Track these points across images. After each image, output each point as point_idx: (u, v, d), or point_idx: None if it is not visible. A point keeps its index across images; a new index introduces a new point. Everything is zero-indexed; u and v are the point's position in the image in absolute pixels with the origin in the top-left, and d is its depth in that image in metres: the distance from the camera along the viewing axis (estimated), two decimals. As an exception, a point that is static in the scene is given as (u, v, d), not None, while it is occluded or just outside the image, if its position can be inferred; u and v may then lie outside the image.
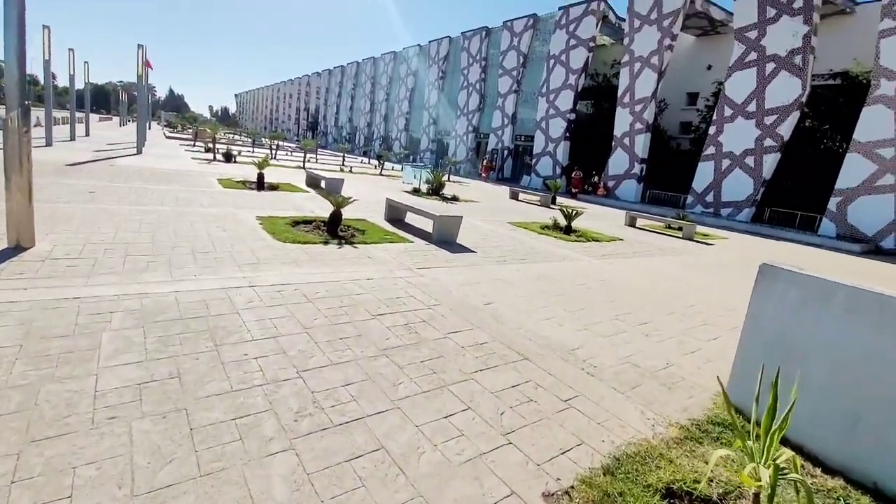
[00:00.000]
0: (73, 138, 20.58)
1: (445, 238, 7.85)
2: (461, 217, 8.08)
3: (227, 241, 5.93)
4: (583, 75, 27.31)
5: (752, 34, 19.98)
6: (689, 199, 22.21)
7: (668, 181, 25.20)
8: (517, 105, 32.79)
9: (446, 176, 19.73)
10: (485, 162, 33.57)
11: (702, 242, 12.63)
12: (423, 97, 44.00)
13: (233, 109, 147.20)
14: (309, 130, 71.43)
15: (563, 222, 11.23)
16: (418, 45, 45.06)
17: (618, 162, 25.16)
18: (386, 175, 23.56)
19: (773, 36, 19.33)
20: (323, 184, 13.44)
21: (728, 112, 20.69)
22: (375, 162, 35.35)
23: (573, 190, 25.38)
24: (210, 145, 21.87)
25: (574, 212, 10.85)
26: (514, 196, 19.12)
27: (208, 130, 32.90)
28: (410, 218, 9.61)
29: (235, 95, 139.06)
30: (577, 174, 25.62)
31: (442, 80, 41.49)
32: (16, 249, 4.54)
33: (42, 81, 17.00)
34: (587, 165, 27.31)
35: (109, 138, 25.02)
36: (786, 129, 19.04)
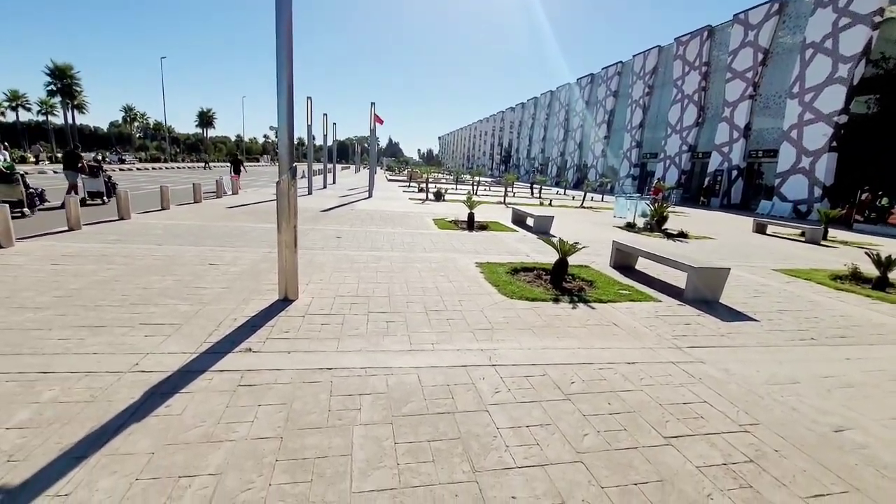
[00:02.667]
0: (324, 186, 25.47)
1: (704, 296, 6.06)
2: (728, 269, 6.15)
3: (455, 296, 5.57)
4: (862, 62, 20.72)
5: None
6: None
7: None
8: (752, 113, 27.07)
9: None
10: (706, 184, 28.57)
11: None
12: (623, 119, 40.82)
13: (436, 151, 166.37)
14: (502, 164, 74.55)
15: (867, 271, 7.89)
16: (620, 61, 42.27)
17: (928, 176, 17.85)
18: (588, 207, 21.94)
19: None
20: (530, 221, 12.86)
21: None
22: (573, 193, 33.92)
23: (859, 218, 18.99)
24: (423, 185, 24.18)
25: (893, 257, 7.45)
26: (761, 229, 15.11)
27: (419, 172, 36.99)
28: (643, 264, 8.01)
29: (438, 138, 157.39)
30: (868, 196, 19.18)
31: (648, 97, 37.74)
32: (284, 302, 4.95)
33: (306, 142, 21.59)
34: (863, 184, 20.29)
35: (348, 184, 30.29)
36: None
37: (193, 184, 14.59)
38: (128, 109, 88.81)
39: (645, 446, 2.72)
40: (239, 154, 39.68)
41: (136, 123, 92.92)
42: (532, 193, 29.05)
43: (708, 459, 2.64)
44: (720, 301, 6.09)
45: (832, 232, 15.14)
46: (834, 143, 21.72)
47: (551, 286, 6.37)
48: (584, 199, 23.73)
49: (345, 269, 6.60)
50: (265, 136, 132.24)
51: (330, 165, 34.89)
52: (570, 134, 51.71)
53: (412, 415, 2.87)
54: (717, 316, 5.44)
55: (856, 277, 7.95)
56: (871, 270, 7.99)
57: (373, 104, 20.90)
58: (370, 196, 20.55)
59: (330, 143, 31.18)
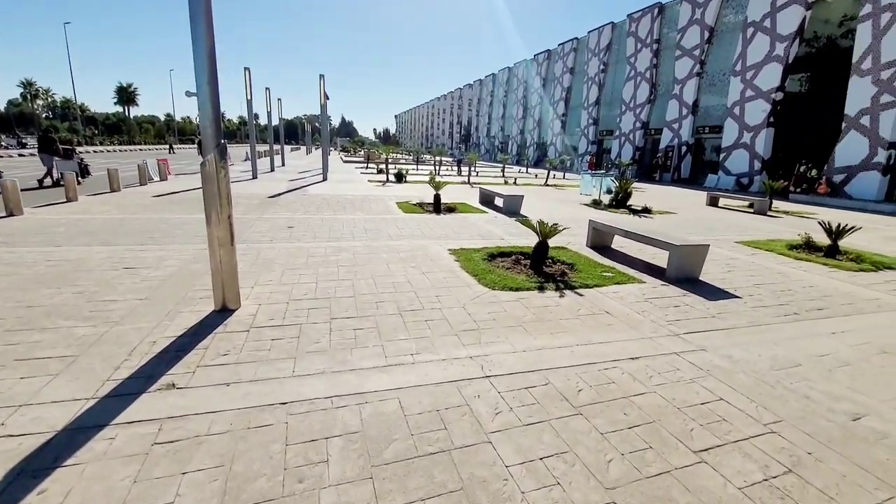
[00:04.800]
0: (272, 169, 23.84)
1: (686, 274, 5.85)
2: (707, 246, 5.95)
3: (431, 290, 5.01)
4: (796, 41, 21.50)
5: None
6: None
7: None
8: (700, 91, 27.75)
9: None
10: (655, 160, 29.28)
11: None
12: (580, 96, 41.00)
13: (393, 130, 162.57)
14: (461, 143, 73.78)
15: (819, 240, 8.07)
16: (575, 38, 42.15)
17: (850, 149, 18.88)
18: (552, 185, 21.83)
19: None
20: (499, 201, 12.43)
21: None
22: (535, 171, 33.92)
23: (794, 189, 19.96)
24: (382, 167, 23.17)
25: (841, 226, 7.60)
26: (714, 202, 15.49)
27: (379, 153, 35.65)
28: (619, 243, 7.77)
29: (395, 116, 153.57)
30: (806, 169, 20.12)
31: (603, 74, 37.97)
32: (222, 313, 4.18)
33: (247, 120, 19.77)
34: (795, 157, 21.37)
35: (299, 166, 28.64)
36: None
37: (108, 169, 12.96)
38: (27, 84, 77.60)
39: (678, 468, 2.33)
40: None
41: (39, 101, 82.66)
42: (503, 173, 28.72)
43: (747, 476, 2.29)
44: (700, 278, 5.91)
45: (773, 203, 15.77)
46: (771, 119, 22.62)
47: (532, 272, 5.95)
48: (547, 177, 23.59)
49: (299, 266, 5.86)
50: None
51: (277, 147, 32.81)
52: (529, 111, 51.54)
53: (397, 460, 2.30)
54: (702, 295, 5.23)
55: (809, 246, 8.14)
56: (821, 239, 8.19)
57: (322, 76, 19.42)
58: (325, 179, 19.36)
59: (276, 121, 29.16)
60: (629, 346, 3.79)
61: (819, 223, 8.02)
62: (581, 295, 5.07)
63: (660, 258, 6.94)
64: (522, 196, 11.61)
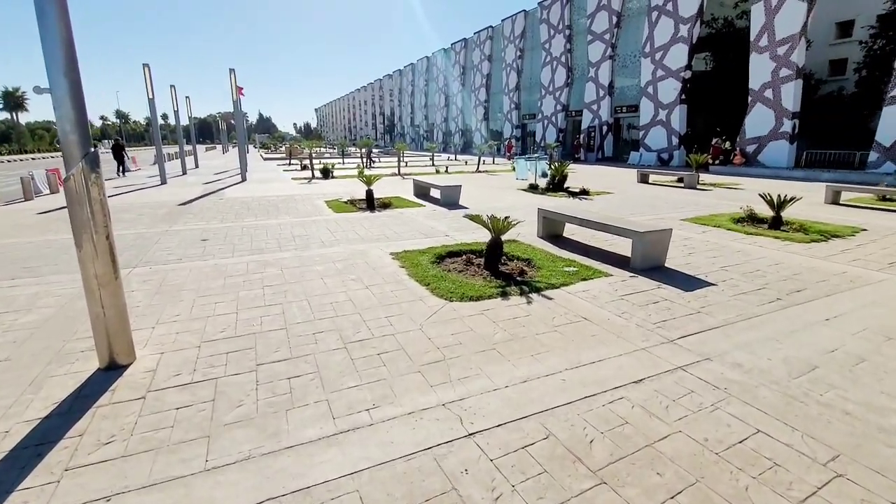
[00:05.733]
0: (184, 172, 21.16)
1: (652, 262, 5.48)
2: (670, 231, 5.63)
3: (378, 309, 4.14)
4: (697, 23, 22.81)
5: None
6: (873, 155, 17.26)
7: (825, 138, 20.10)
8: (614, 73, 28.79)
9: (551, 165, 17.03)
10: (576, 141, 30.16)
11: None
12: (500, 82, 41.22)
13: (314, 124, 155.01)
14: (386, 133, 71.90)
15: (762, 212, 8.27)
16: (490, 26, 42.24)
17: (758, 121, 20.53)
18: (484, 171, 21.44)
19: None
20: (435, 193, 11.66)
21: (933, 34, 15.51)
22: (464, 157, 33.54)
23: (713, 162, 21.25)
24: (306, 163, 21.44)
25: (784, 197, 7.80)
26: (644, 179, 15.93)
27: (299, 147, 33.30)
28: (570, 230, 7.35)
29: (315, 110, 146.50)
30: (720, 142, 21.45)
31: (521, 60, 38.41)
32: (109, 373, 3.05)
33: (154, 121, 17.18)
34: (709, 132, 22.92)
35: (215, 167, 25.86)
36: None
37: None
38: None
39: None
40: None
41: None
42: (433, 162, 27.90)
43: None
44: (665, 265, 5.59)
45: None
46: (683, 97, 23.97)
47: (488, 273, 5.28)
48: (479, 164, 23.18)
49: (215, 291, 4.70)
50: (102, 117, 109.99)
51: (189, 147, 29.48)
52: (452, 99, 51.14)
53: None
54: (675, 286, 4.85)
55: (753, 219, 8.31)
56: (762, 210, 8.39)
57: (232, 70, 17.43)
58: (244, 179, 17.39)
59: (186, 121, 26.06)
60: (625, 363, 3.21)
61: (760, 195, 8.15)
62: (550, 298, 4.46)
63: (617, 245, 6.58)
64: (460, 186, 10.93)
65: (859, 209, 10.04)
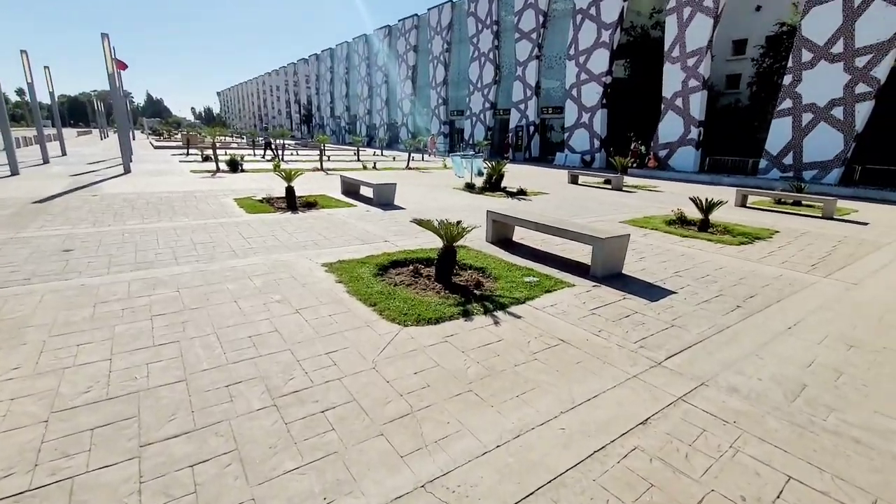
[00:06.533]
0: (45, 160, 17.59)
1: (611, 269, 5.19)
2: (628, 236, 5.38)
3: (317, 343, 3.28)
4: (618, 30, 24.03)
5: (836, -42, 16.82)
6: (763, 163, 19.34)
7: (724, 146, 22.26)
8: (540, 73, 29.49)
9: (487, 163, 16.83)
10: (507, 140, 30.58)
11: (849, 221, 9.92)
12: (427, 75, 40.51)
13: (217, 109, 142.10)
14: (303, 124, 67.84)
15: (690, 215, 8.57)
16: (415, 14, 41.24)
17: (670, 127, 22.15)
18: (415, 168, 20.67)
19: (865, -43, 16.19)
20: (367, 191, 10.71)
21: (807, 56, 17.64)
22: (391, 153, 32.38)
23: (631, 165, 22.46)
24: (209, 153, 19.04)
25: (710, 201, 8.10)
26: (574, 180, 16.29)
27: (202, 135, 30.02)
28: (519, 234, 6.92)
29: (218, 94, 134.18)
30: (637, 146, 22.68)
31: (448, 54, 37.99)
32: None
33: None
34: (627, 136, 24.34)
35: (90, 155, 22.07)
36: (882, 71, 16.07)
37: None
38: None
39: None
40: None
41: None
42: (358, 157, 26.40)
43: None
44: (623, 272, 5.34)
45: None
46: (604, 101, 25.18)
47: (441, 286, 4.62)
48: (409, 160, 22.34)
49: (79, 325, 3.49)
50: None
51: (52, 131, 24.71)
52: (375, 90, 49.38)
53: None
54: (639, 295, 4.57)
55: (682, 221, 8.57)
56: (690, 213, 8.69)
57: (105, 35, 14.24)
58: (127, 171, 14.76)
59: (46, 97, 21.69)
60: (623, 398, 2.73)
61: (691, 199, 8.39)
62: (518, 316, 3.91)
63: (570, 249, 6.27)
64: (395, 185, 10.11)
65: (764, 211, 10.92)
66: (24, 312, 3.69)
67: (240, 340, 3.29)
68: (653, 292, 4.70)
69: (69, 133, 54.07)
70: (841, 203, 12.19)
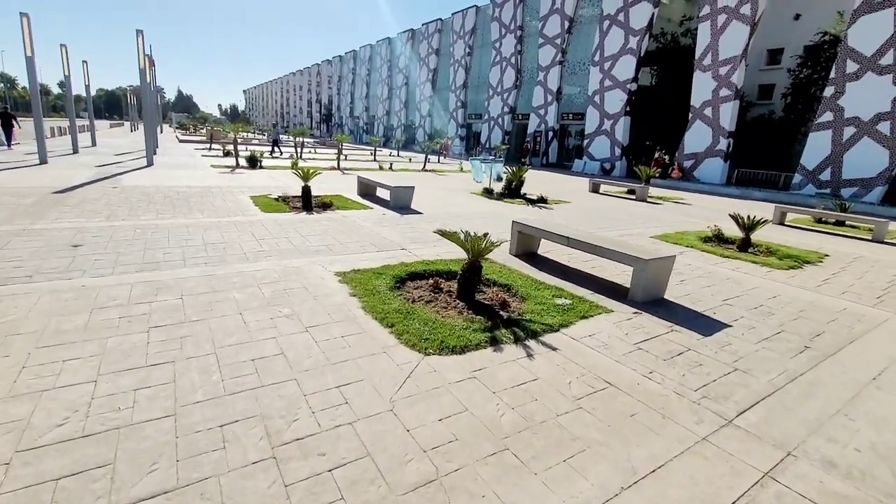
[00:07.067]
0: (75, 150, 17.72)
1: (653, 294, 4.67)
2: (673, 258, 4.87)
3: (327, 374, 2.86)
4: (646, 36, 23.35)
5: (888, -35, 15.95)
6: (797, 177, 18.46)
7: (753, 158, 21.36)
8: (562, 79, 28.94)
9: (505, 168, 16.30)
10: (526, 145, 30.05)
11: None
12: (447, 78, 40.27)
13: (242, 106, 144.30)
14: (322, 123, 68.26)
15: (727, 231, 8.00)
16: (439, 18, 41.17)
17: (697, 137, 21.39)
18: (431, 170, 20.29)
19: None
20: (383, 193, 10.33)
21: (852, 68, 16.77)
22: (407, 154, 32.11)
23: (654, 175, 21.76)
24: (230, 148, 18.95)
25: (753, 219, 7.49)
26: (596, 189, 15.69)
27: (225, 131, 30.15)
28: (545, 246, 6.44)
29: (244, 91, 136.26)
30: (661, 156, 21.93)
31: (469, 57, 37.74)
32: None
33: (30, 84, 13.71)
34: (650, 145, 23.59)
35: (119, 147, 22.29)
36: (935, 84, 15.16)
37: None
38: None
39: None
40: None
41: None
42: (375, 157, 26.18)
43: None
44: (665, 297, 4.83)
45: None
46: (628, 109, 24.50)
47: (463, 304, 4.17)
48: (425, 162, 21.97)
49: (69, 336, 3.13)
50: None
51: (85, 122, 25.22)
52: (395, 92, 49.36)
53: None
54: (689, 327, 4.05)
55: (720, 239, 7.99)
56: (727, 230, 8.11)
57: (140, 32, 14.46)
58: (150, 164, 14.75)
59: (82, 90, 21.98)
60: (696, 472, 2.22)
61: (731, 216, 7.80)
62: (553, 348, 3.44)
63: (601, 267, 5.78)
64: (413, 188, 9.71)
65: (805, 231, 10.22)
66: (16, 316, 3.35)
67: (241, 364, 2.89)
68: (703, 324, 4.17)
69: (102, 124, 55.23)
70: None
